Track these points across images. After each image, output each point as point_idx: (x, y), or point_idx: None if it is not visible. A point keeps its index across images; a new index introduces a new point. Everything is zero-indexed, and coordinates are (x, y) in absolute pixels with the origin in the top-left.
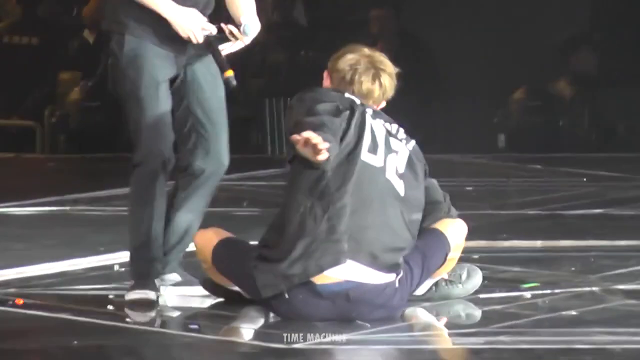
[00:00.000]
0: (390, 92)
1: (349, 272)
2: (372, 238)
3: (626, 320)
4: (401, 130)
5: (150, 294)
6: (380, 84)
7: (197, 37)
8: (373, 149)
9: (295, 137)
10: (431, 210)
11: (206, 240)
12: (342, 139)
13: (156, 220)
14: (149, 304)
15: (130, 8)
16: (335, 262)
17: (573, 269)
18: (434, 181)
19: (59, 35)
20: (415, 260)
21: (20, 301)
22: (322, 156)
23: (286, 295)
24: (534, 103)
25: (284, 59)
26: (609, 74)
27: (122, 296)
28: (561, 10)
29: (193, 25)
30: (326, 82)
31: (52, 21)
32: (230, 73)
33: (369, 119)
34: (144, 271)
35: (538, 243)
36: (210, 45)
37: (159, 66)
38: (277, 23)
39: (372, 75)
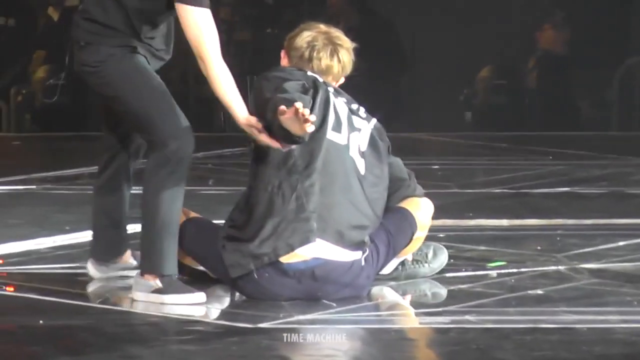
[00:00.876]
0: (348, 67)
1: (316, 250)
2: (338, 216)
3: (591, 299)
4: (362, 108)
5: (202, 296)
6: (339, 60)
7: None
8: (337, 127)
9: (283, 108)
10: (396, 188)
11: None
12: None
13: None
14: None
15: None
16: (305, 241)
17: (539, 247)
18: (398, 160)
19: (30, 15)
20: (382, 239)
21: None
22: (310, 128)
23: (255, 275)
24: (500, 81)
25: (249, 37)
26: (576, 54)
27: (86, 275)
28: None
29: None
30: (284, 62)
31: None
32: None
33: (332, 97)
34: (175, 269)
35: (504, 222)
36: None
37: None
38: (243, 1)
39: (330, 52)
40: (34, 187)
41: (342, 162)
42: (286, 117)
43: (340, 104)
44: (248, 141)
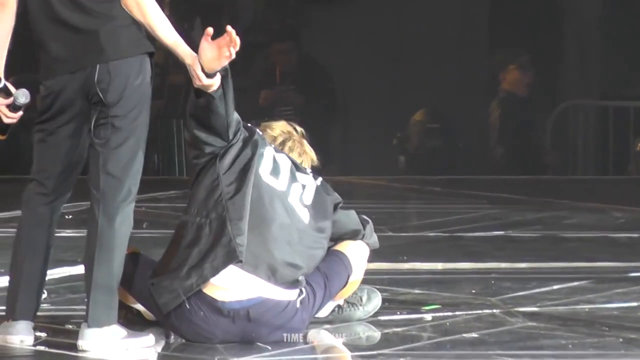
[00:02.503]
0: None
1: (249, 288)
2: (271, 251)
3: (526, 343)
4: (308, 168)
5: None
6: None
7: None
8: (274, 173)
9: (209, 30)
10: (349, 238)
11: None
12: (237, 156)
13: None
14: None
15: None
16: (229, 260)
17: (473, 291)
18: (353, 212)
19: None
20: (318, 282)
21: None
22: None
23: (187, 305)
24: (433, 125)
25: (183, 80)
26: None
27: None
28: (460, 34)
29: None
30: None
31: None
32: None
33: (270, 149)
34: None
35: (438, 265)
36: None
37: None
38: None
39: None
40: None
41: (279, 206)
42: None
43: (281, 157)
44: (191, 158)
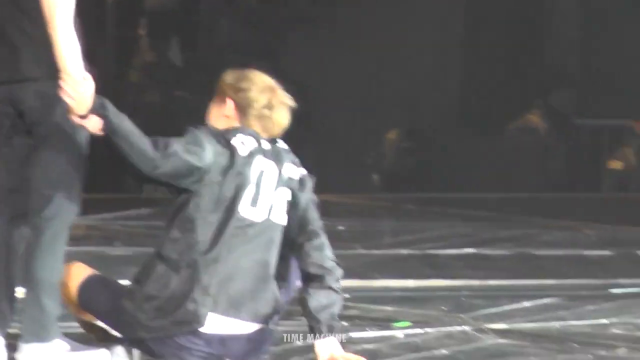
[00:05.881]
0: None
1: (231, 327)
2: (237, 286)
3: None
4: (293, 165)
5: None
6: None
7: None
8: (254, 202)
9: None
10: (314, 278)
11: (72, 275)
12: (217, 199)
13: None
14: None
15: None
16: (191, 328)
17: (444, 308)
18: (325, 242)
19: None
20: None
21: None
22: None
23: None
24: (407, 144)
25: (158, 99)
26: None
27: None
28: (432, 55)
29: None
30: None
31: None
32: None
33: (258, 164)
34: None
35: (410, 282)
36: None
37: None
38: (152, 63)
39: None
40: None
41: (255, 239)
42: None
43: (269, 166)
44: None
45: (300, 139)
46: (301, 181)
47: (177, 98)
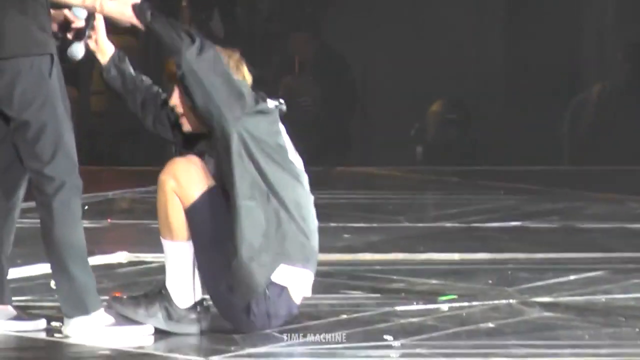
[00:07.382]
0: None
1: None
2: (311, 240)
3: (543, 333)
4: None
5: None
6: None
7: None
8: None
9: None
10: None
11: (187, 180)
12: (268, 133)
13: None
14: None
15: (46, 24)
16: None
17: (490, 281)
18: None
19: None
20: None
21: None
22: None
23: (267, 292)
24: (451, 116)
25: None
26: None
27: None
28: (476, 25)
29: None
30: None
31: None
32: None
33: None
34: (98, 299)
35: (455, 256)
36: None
37: None
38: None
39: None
40: None
41: (305, 185)
42: None
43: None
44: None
45: (343, 113)
46: None
47: None
